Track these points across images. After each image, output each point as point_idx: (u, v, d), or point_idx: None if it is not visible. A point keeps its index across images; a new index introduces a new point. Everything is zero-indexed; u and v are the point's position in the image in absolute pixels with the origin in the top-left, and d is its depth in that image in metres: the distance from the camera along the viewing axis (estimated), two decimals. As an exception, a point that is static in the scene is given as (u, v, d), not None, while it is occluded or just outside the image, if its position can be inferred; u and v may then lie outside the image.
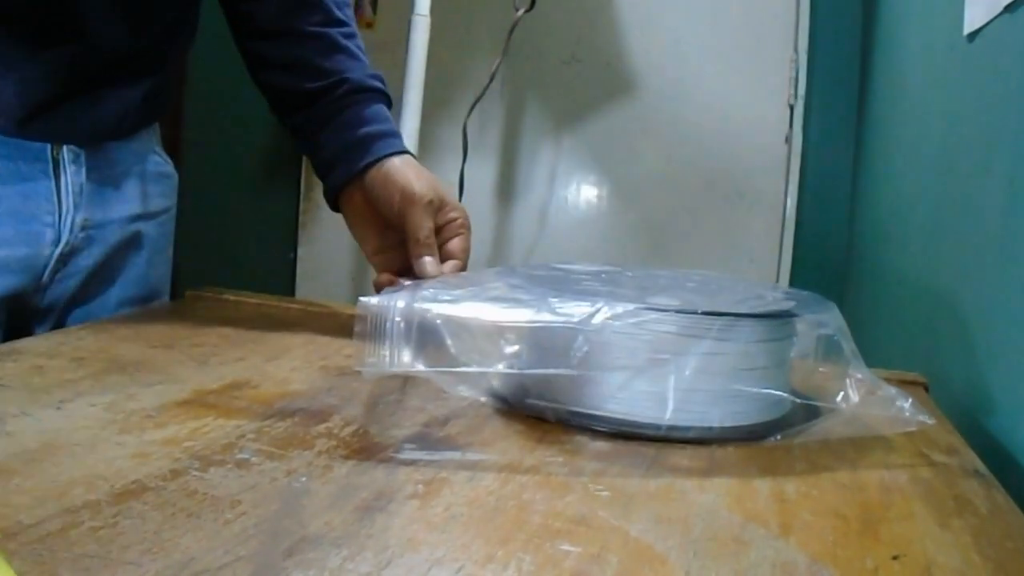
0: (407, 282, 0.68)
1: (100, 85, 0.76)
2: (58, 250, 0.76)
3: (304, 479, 0.45)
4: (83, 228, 0.77)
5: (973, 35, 0.96)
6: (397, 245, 0.79)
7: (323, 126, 0.82)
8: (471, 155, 1.81)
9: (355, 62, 0.83)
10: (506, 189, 2.18)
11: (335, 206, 0.82)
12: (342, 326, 0.77)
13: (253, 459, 0.47)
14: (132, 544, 0.36)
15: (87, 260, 0.79)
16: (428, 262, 0.75)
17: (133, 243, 0.84)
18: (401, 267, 0.78)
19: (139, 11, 0.76)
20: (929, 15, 1.26)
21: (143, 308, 0.84)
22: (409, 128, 1.58)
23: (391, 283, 0.77)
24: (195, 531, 0.38)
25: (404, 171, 0.78)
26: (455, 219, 0.79)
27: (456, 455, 0.51)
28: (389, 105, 0.84)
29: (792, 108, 2.04)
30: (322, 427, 0.53)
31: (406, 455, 0.50)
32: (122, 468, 0.44)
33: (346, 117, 0.81)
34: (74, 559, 0.34)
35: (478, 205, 2.04)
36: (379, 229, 0.80)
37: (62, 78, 0.73)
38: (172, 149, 0.91)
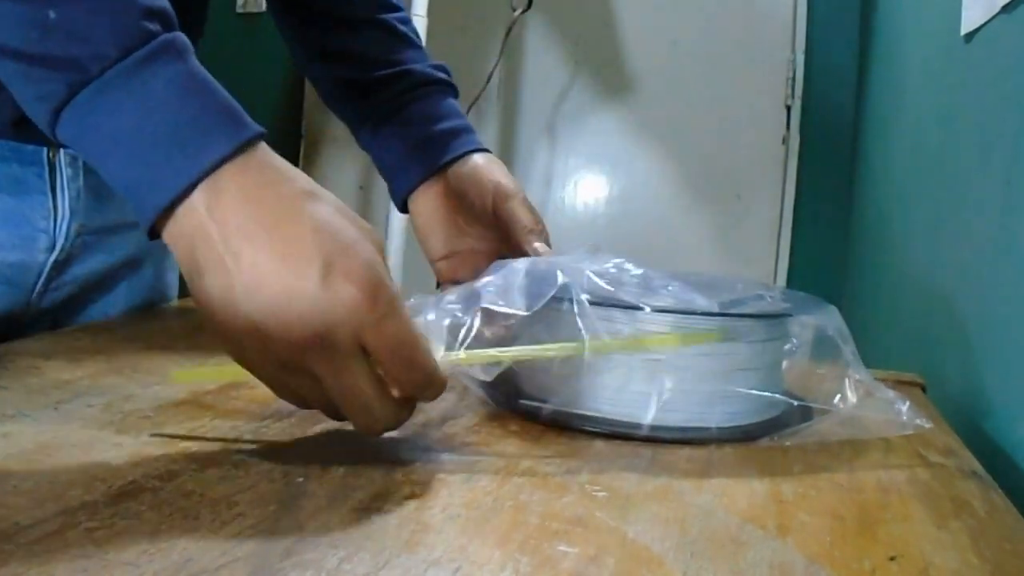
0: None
1: None
2: (53, 257, 0.72)
3: (301, 480, 0.45)
4: (79, 234, 0.74)
5: (971, 35, 0.96)
6: (466, 251, 0.76)
7: (387, 120, 0.78)
8: (469, 155, 1.81)
9: (415, 51, 0.80)
10: (504, 189, 2.18)
11: (403, 206, 0.79)
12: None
13: (250, 460, 0.47)
14: (129, 545, 0.36)
15: (83, 268, 0.76)
16: (540, 248, 0.72)
17: (136, 251, 0.80)
18: (469, 274, 0.74)
19: None
20: (927, 15, 1.26)
21: (141, 310, 0.84)
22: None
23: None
24: (192, 532, 0.38)
25: (493, 168, 0.75)
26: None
27: (453, 456, 0.51)
28: (456, 96, 0.80)
29: (789, 109, 2.04)
30: (319, 428, 0.53)
31: (403, 456, 0.50)
32: (119, 469, 0.44)
33: (415, 111, 0.77)
34: (71, 560, 0.34)
35: (476, 205, 2.04)
36: (451, 231, 0.76)
37: None
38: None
